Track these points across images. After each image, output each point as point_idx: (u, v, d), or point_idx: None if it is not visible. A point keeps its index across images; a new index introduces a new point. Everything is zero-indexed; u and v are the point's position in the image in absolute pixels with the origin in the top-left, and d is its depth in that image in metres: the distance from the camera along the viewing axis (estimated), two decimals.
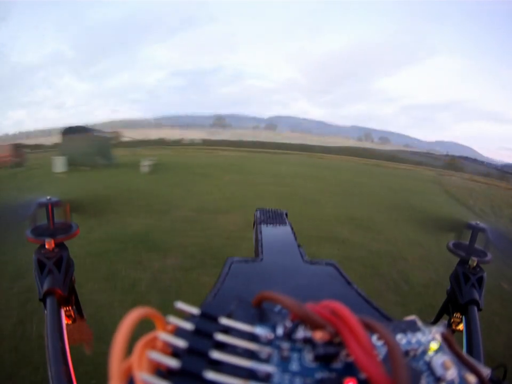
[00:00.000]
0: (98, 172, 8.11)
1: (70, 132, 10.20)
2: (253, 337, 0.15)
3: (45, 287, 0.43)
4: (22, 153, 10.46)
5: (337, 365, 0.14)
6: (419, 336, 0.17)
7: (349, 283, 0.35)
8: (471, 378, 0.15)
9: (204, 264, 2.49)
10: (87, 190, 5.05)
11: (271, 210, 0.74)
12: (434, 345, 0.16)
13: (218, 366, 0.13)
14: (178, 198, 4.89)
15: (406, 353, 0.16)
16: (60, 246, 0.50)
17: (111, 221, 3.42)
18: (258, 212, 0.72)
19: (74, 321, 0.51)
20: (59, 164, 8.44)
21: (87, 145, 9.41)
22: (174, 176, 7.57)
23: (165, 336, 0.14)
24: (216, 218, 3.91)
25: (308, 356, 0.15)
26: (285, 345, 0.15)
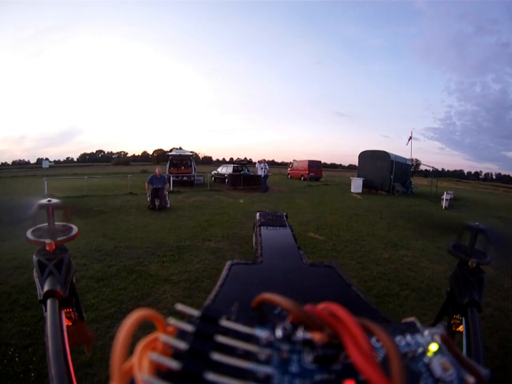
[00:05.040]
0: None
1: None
2: (252, 339, 0.15)
3: (45, 288, 0.43)
4: None
5: (337, 366, 0.15)
6: (418, 337, 0.17)
7: (348, 285, 0.35)
8: (470, 379, 0.15)
9: None
10: None
11: (271, 212, 0.75)
12: (433, 347, 0.16)
13: (219, 368, 0.13)
14: None
15: (405, 354, 0.16)
16: (61, 247, 0.50)
17: None
18: (258, 213, 0.73)
19: (74, 322, 0.51)
20: (356, 185, 9.25)
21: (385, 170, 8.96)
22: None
23: (165, 337, 0.14)
24: None
25: (307, 358, 0.15)
26: (285, 347, 0.15)
